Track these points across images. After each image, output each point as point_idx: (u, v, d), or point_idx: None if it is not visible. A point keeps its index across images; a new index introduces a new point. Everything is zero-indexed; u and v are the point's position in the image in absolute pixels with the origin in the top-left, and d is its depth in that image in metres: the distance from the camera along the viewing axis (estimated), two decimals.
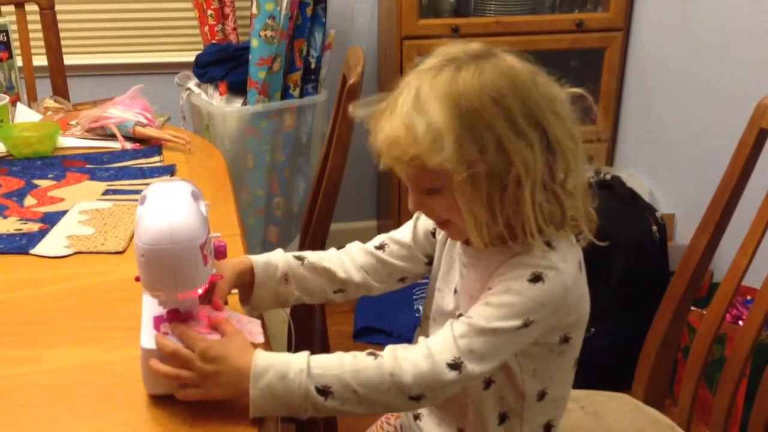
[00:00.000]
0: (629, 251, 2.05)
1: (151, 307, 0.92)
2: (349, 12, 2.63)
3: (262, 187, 2.42)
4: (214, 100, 2.37)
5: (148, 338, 0.88)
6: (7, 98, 1.73)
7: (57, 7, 2.06)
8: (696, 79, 2.26)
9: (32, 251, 1.24)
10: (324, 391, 0.85)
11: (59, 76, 2.09)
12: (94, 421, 0.85)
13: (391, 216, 2.64)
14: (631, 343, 1.57)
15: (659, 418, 1.30)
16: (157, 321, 0.90)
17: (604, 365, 2.01)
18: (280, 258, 1.07)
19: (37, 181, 1.51)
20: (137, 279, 0.87)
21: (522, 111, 0.87)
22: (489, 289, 0.92)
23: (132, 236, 1.24)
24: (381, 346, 0.91)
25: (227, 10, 2.38)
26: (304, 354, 0.87)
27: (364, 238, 1.18)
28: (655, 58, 2.46)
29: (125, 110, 1.73)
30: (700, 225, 1.26)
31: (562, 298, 0.91)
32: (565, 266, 0.91)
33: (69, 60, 2.17)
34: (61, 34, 2.09)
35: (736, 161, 1.21)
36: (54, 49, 2.07)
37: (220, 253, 0.96)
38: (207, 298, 0.95)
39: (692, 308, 1.63)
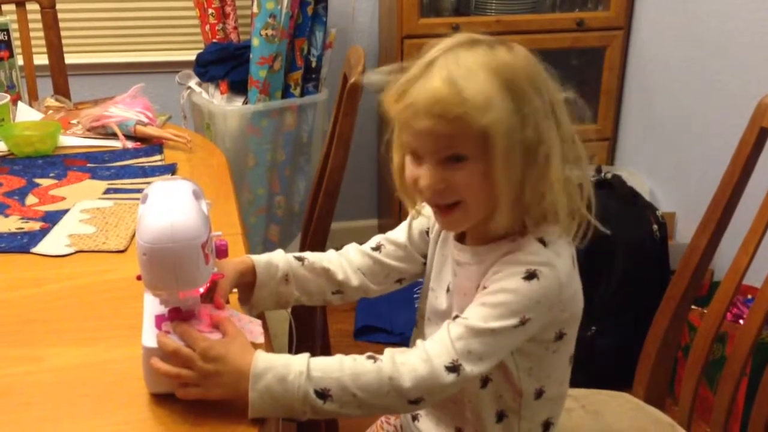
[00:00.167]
0: (630, 250, 2.05)
1: (152, 305, 0.92)
2: (350, 11, 2.63)
3: (263, 186, 2.42)
4: (215, 99, 2.37)
5: (149, 337, 0.88)
6: (8, 97, 1.73)
7: (58, 6, 2.06)
8: (697, 78, 2.26)
9: (33, 250, 1.24)
10: (323, 394, 0.85)
11: (60, 75, 2.09)
12: (96, 420, 0.85)
13: (391, 215, 2.64)
14: (632, 342, 1.57)
15: (660, 417, 1.30)
16: (159, 320, 0.90)
17: (605, 364, 2.02)
18: (281, 258, 1.07)
19: (38, 180, 1.51)
20: (139, 278, 0.87)
21: (548, 95, 0.90)
22: (484, 288, 0.92)
23: (133, 235, 1.24)
24: (381, 344, 0.91)
25: (228, 8, 2.38)
26: (304, 356, 0.87)
27: (365, 236, 1.18)
28: (655, 57, 2.46)
29: (126, 109, 1.73)
30: (700, 224, 1.26)
31: (557, 294, 0.91)
32: (559, 262, 0.92)
33: (70, 59, 2.18)
34: (62, 33, 2.09)
35: (736, 160, 1.21)
36: (55, 48, 2.07)
37: (222, 252, 0.96)
38: (208, 297, 0.95)
39: (693, 307, 1.63)
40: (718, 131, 2.18)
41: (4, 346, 0.99)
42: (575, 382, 1.15)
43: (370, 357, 0.88)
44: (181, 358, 0.84)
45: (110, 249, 1.24)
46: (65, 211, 1.37)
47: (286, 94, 2.37)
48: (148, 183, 1.14)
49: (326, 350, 1.75)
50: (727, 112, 2.13)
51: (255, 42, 2.24)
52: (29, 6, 2.04)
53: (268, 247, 2.48)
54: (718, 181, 1.24)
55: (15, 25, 1.96)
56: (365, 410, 0.87)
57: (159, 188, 0.89)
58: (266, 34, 2.22)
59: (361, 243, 1.13)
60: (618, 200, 2.13)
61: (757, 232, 1.19)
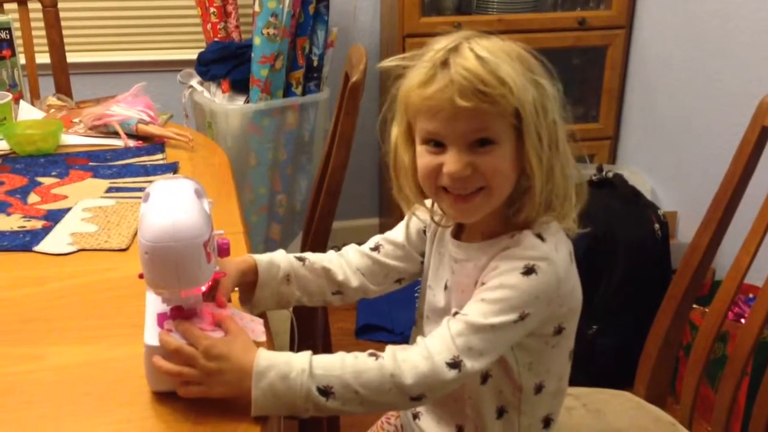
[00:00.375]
0: (631, 249, 2.05)
1: (154, 304, 0.92)
2: (352, 10, 2.63)
3: (265, 185, 2.42)
4: (216, 98, 2.37)
5: (151, 335, 0.88)
6: (10, 96, 1.74)
7: (60, 5, 2.07)
8: (698, 77, 2.26)
9: (35, 248, 1.24)
10: (325, 391, 0.86)
11: (62, 73, 2.09)
12: (98, 418, 0.85)
13: (393, 214, 2.64)
14: (633, 341, 1.57)
15: (661, 416, 1.30)
16: (161, 318, 0.90)
17: (606, 363, 2.02)
18: (282, 258, 1.07)
19: (40, 179, 1.51)
20: (141, 276, 0.87)
21: (551, 85, 0.92)
22: (482, 285, 0.92)
23: (135, 234, 1.25)
24: (383, 343, 0.91)
25: (230, 7, 2.38)
26: (306, 354, 0.88)
27: (366, 235, 1.18)
28: (657, 56, 2.46)
29: (128, 108, 1.74)
30: (702, 223, 1.26)
31: (555, 289, 0.92)
32: (557, 257, 0.92)
33: (72, 58, 2.18)
34: (64, 32, 2.09)
35: (738, 159, 1.21)
36: (57, 47, 2.07)
37: (223, 250, 0.96)
38: (210, 295, 0.95)
39: (694, 306, 1.63)
40: (719, 130, 2.18)
41: (6, 345, 0.99)
42: (576, 381, 1.15)
43: (371, 354, 0.89)
44: (184, 357, 0.85)
45: (112, 247, 1.24)
46: (67, 210, 1.37)
47: (287, 93, 2.37)
48: (150, 182, 1.14)
49: (328, 349, 1.75)
50: (729, 111, 2.13)
51: (256, 41, 2.24)
52: (31, 5, 2.04)
53: (270, 245, 2.48)
54: (719, 180, 1.24)
55: (17, 24, 1.96)
56: (367, 407, 0.88)
57: (161, 187, 0.89)
58: (268, 33, 2.22)
59: (362, 242, 1.14)
60: (619, 199, 2.13)
61: (759, 231, 1.19)
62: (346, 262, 1.11)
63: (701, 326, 1.27)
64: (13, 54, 1.87)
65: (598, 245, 2.01)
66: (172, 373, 0.85)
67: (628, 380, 1.40)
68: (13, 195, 1.44)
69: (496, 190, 0.91)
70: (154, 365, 0.85)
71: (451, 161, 0.90)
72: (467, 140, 0.89)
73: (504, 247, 0.93)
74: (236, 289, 1.04)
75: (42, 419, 0.85)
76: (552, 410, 1.05)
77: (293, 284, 1.07)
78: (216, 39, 2.39)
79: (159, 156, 1.63)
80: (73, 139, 1.72)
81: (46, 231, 1.29)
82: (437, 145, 0.92)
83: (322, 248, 1.47)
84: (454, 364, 0.88)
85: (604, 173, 2.19)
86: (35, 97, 2.01)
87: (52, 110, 1.89)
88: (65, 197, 1.43)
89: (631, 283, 2.05)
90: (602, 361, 2.03)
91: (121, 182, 1.50)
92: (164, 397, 0.87)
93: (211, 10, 2.36)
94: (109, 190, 1.47)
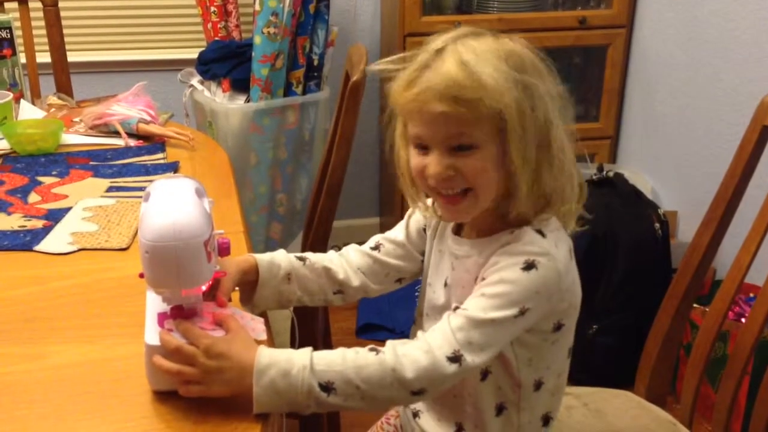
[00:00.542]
0: (632, 249, 2.05)
1: (155, 303, 0.93)
2: (352, 9, 2.63)
3: (265, 184, 2.42)
4: (217, 97, 2.37)
5: (152, 335, 0.88)
6: (11, 95, 1.74)
7: (60, 4, 2.07)
8: (699, 77, 2.26)
9: (36, 248, 1.24)
10: (327, 387, 0.86)
11: (63, 73, 2.09)
12: (98, 418, 0.86)
13: (393, 213, 2.64)
14: (634, 341, 1.57)
15: (661, 415, 1.30)
16: (161, 318, 0.90)
17: (607, 362, 2.02)
18: (283, 258, 1.08)
19: (40, 178, 1.51)
20: (141, 276, 0.87)
21: (549, 82, 0.92)
22: (482, 280, 0.93)
23: (136, 233, 1.25)
24: (384, 343, 0.91)
25: (230, 7, 2.38)
26: (307, 350, 0.88)
27: (367, 235, 1.18)
28: (658, 55, 2.46)
29: (128, 107, 1.74)
30: (702, 222, 1.26)
31: (555, 284, 0.92)
32: (557, 252, 0.92)
33: (72, 57, 2.18)
34: (65, 31, 2.09)
35: (738, 158, 1.21)
36: (57, 46, 2.07)
37: (224, 249, 0.96)
38: (211, 294, 0.95)
39: (695, 305, 1.63)
40: (720, 129, 2.18)
41: (7, 344, 0.99)
42: (577, 381, 1.15)
43: (372, 349, 0.89)
44: (184, 356, 0.85)
45: (113, 247, 1.24)
46: (68, 209, 1.38)
47: (288, 92, 2.37)
48: (151, 181, 1.14)
49: (328, 348, 1.75)
50: (730, 110, 2.13)
51: (257, 40, 2.24)
52: (32, 4, 2.04)
53: (270, 245, 2.48)
54: (720, 179, 1.24)
55: (17, 23, 1.96)
56: (368, 402, 0.88)
57: (161, 186, 0.89)
58: (268, 32, 2.22)
59: (362, 241, 1.14)
60: (620, 198, 2.13)
61: (759, 230, 1.19)
62: (346, 261, 1.11)
63: (702, 326, 1.27)
64: (14, 53, 1.87)
65: (598, 245, 2.01)
66: (173, 372, 0.85)
67: (629, 379, 1.40)
68: (14, 194, 1.44)
69: (481, 191, 0.92)
70: (155, 364, 0.85)
71: (433, 163, 0.92)
72: (449, 144, 0.91)
73: (504, 243, 0.93)
74: (237, 288, 1.05)
75: (42, 418, 0.86)
76: (551, 408, 1.05)
77: (294, 283, 1.07)
78: (216, 38, 2.39)
79: (159, 155, 1.63)
80: (73, 139, 1.72)
81: (46, 230, 1.29)
82: (424, 147, 0.93)
83: (322, 247, 1.47)
84: (455, 359, 0.88)
85: (604, 173, 2.20)
86: (36, 97, 2.01)
87: (53, 109, 1.89)
88: (66, 197, 1.43)
89: (631, 283, 2.06)
90: (602, 360, 2.03)
91: (121, 181, 1.50)
92: (165, 397, 0.87)
93: (212, 9, 2.36)
94: (110, 189, 1.47)
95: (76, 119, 1.81)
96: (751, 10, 2.03)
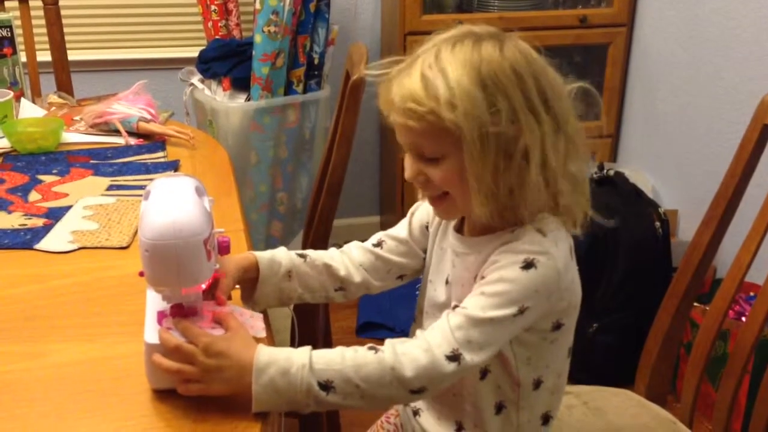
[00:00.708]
0: (632, 247, 2.05)
1: (155, 302, 0.93)
2: (353, 8, 2.63)
3: (266, 183, 2.42)
4: (217, 96, 2.37)
5: (151, 333, 0.88)
6: (11, 94, 1.74)
7: (61, 3, 2.06)
8: (699, 75, 2.26)
9: (36, 246, 1.24)
10: (326, 386, 0.86)
11: (63, 71, 2.09)
12: (98, 416, 0.86)
13: (394, 212, 2.64)
14: (634, 339, 1.57)
15: (661, 414, 1.30)
16: (161, 316, 0.90)
17: (607, 361, 2.02)
18: (283, 255, 1.08)
19: (41, 177, 1.51)
20: (141, 274, 0.87)
21: (537, 89, 0.90)
22: (482, 278, 0.93)
23: (136, 231, 1.25)
24: (384, 342, 0.91)
25: (231, 5, 2.38)
26: (306, 349, 0.88)
27: (367, 233, 1.18)
28: (658, 54, 2.46)
29: (129, 106, 1.74)
30: (703, 221, 1.26)
31: (555, 283, 0.92)
32: (556, 251, 0.92)
33: (73, 56, 2.18)
34: (65, 30, 2.09)
35: (739, 157, 1.21)
36: (58, 45, 2.07)
37: (224, 248, 0.96)
38: (210, 293, 0.95)
39: (695, 304, 1.63)
40: (720, 128, 2.18)
41: (7, 343, 0.99)
42: (577, 380, 1.15)
43: (371, 348, 0.89)
44: (183, 354, 0.85)
45: (113, 245, 1.24)
46: (68, 208, 1.38)
47: (288, 90, 2.37)
48: (151, 180, 1.14)
49: (328, 347, 1.75)
50: (730, 109, 2.13)
51: (257, 39, 2.24)
52: (32, 2, 2.04)
53: (271, 243, 2.48)
54: (720, 178, 1.24)
55: (18, 22, 1.96)
56: (367, 401, 0.88)
57: (161, 185, 0.89)
58: (269, 31, 2.22)
59: (363, 240, 1.14)
60: (620, 197, 2.13)
61: (760, 229, 1.19)
62: (348, 258, 1.11)
63: (702, 324, 1.27)
64: (14, 52, 1.87)
65: (598, 243, 2.01)
66: (172, 370, 0.85)
67: (629, 378, 1.40)
68: (14, 193, 1.44)
69: (457, 196, 0.94)
70: (154, 363, 0.85)
71: (407, 167, 0.96)
72: (415, 151, 0.94)
73: (504, 242, 0.93)
74: (238, 286, 1.05)
75: (42, 417, 0.86)
76: (551, 407, 1.05)
77: (294, 281, 1.07)
78: (217, 37, 2.39)
79: (160, 154, 1.63)
80: (74, 137, 1.72)
81: (46, 229, 1.30)
82: (402, 149, 0.96)
83: (323, 246, 1.47)
84: (454, 357, 0.88)
85: (605, 171, 2.19)
86: (36, 95, 2.01)
87: (53, 108, 1.89)
88: (66, 195, 1.43)
89: (631, 281, 2.06)
90: (603, 359, 2.03)
91: (122, 180, 1.50)
92: (164, 395, 0.87)
93: (212, 7, 2.36)
94: (110, 188, 1.47)
95: (77, 118, 1.81)
96: (752, 8, 2.02)
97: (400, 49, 2.41)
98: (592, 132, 1.02)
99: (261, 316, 0.96)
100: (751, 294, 1.92)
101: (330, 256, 1.11)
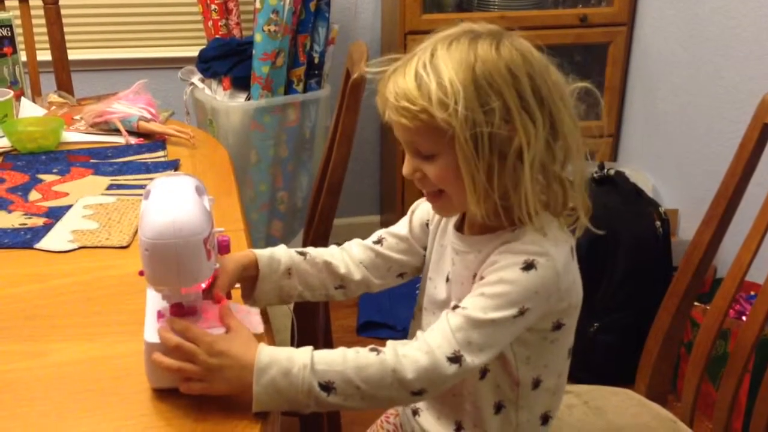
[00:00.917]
0: (632, 247, 2.05)
1: (154, 301, 0.93)
2: (353, 7, 2.63)
3: (266, 182, 2.42)
4: (217, 95, 2.37)
5: (151, 332, 0.88)
6: (12, 93, 1.74)
7: (61, 2, 2.06)
8: (700, 75, 2.26)
9: (37, 246, 1.24)
10: (327, 386, 0.86)
11: (63, 71, 2.09)
12: (99, 415, 0.86)
13: (394, 211, 2.64)
14: (634, 339, 1.57)
15: (662, 413, 1.30)
16: (161, 315, 0.90)
17: (607, 360, 2.02)
18: (283, 253, 1.07)
19: (41, 176, 1.51)
20: (141, 273, 0.87)
21: (532, 89, 0.90)
22: (481, 278, 0.93)
23: (136, 231, 1.24)
24: (385, 341, 0.91)
25: (231, 4, 2.38)
26: (308, 349, 0.88)
27: (368, 232, 1.18)
28: (659, 54, 2.46)
29: (129, 105, 1.74)
30: (703, 220, 1.26)
31: (554, 284, 0.92)
32: (556, 252, 0.92)
33: (73, 55, 2.18)
34: (65, 29, 2.09)
35: (739, 156, 1.21)
36: (58, 44, 2.07)
37: (224, 248, 0.96)
38: (210, 292, 0.95)
39: (695, 304, 1.63)
40: (721, 128, 2.17)
41: (8, 342, 0.99)
42: (577, 379, 1.15)
43: (372, 349, 0.89)
44: (184, 353, 0.85)
45: (113, 245, 1.24)
46: (68, 207, 1.38)
47: (288, 90, 2.37)
48: (151, 179, 1.14)
49: (329, 346, 1.75)
50: (731, 108, 2.13)
51: (258, 38, 2.24)
52: (32, 2, 2.04)
53: (271, 243, 2.48)
54: (721, 177, 1.24)
55: (18, 21, 1.96)
56: (368, 402, 0.88)
57: (161, 184, 0.89)
58: (269, 30, 2.22)
59: (363, 239, 1.14)
60: (621, 197, 2.13)
61: (760, 228, 1.19)
62: (348, 255, 1.11)
63: (702, 324, 1.27)
64: (15, 51, 1.87)
65: (599, 243, 2.01)
66: (173, 369, 0.85)
67: (629, 378, 1.40)
68: (15, 192, 1.44)
69: (452, 194, 0.94)
70: (155, 362, 0.85)
71: (404, 164, 0.96)
72: (411, 148, 0.94)
73: (504, 241, 0.93)
74: (238, 285, 1.04)
75: (43, 416, 0.86)
76: (550, 407, 1.05)
77: (294, 278, 1.07)
78: (217, 36, 2.39)
79: (160, 153, 1.63)
80: (74, 137, 1.72)
81: (47, 228, 1.30)
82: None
83: (323, 245, 1.46)
84: (455, 359, 0.88)
85: (605, 171, 2.19)
86: (36, 95, 2.01)
87: (54, 107, 1.89)
88: (66, 194, 1.43)
89: (632, 281, 2.05)
90: (603, 358, 2.03)
91: (122, 179, 1.50)
92: (165, 394, 0.87)
93: (213, 7, 2.36)
94: (110, 187, 1.47)
95: (77, 117, 1.81)
96: (752, 7, 2.02)
97: (401, 48, 2.41)
98: (593, 132, 1.02)
99: (258, 310, 0.96)
100: (752, 293, 1.92)
101: (330, 253, 1.11)
